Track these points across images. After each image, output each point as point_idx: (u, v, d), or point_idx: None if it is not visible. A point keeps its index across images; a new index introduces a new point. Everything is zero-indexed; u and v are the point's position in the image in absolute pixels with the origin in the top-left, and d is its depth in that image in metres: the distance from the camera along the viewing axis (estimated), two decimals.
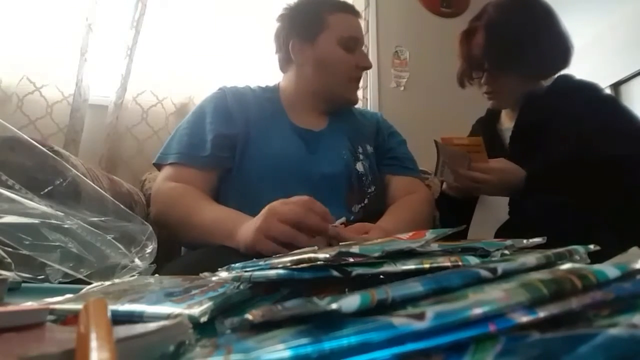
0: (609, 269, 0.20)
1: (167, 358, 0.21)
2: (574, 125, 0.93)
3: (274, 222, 0.70)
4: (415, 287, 0.21)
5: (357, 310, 0.19)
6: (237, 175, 0.97)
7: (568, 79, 1.07)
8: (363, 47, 1.09)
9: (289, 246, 0.67)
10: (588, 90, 1.04)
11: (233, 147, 0.98)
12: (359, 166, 1.04)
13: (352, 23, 1.08)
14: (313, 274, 0.30)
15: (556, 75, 1.07)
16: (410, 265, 0.29)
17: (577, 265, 0.27)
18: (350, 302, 0.19)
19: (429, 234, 0.35)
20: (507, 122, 1.14)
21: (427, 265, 0.28)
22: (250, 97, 1.07)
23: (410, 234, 0.37)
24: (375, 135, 1.14)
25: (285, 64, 1.12)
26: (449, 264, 0.28)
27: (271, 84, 1.16)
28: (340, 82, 1.05)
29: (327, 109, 1.10)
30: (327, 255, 0.29)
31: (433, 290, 0.21)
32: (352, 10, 1.10)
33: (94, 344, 0.16)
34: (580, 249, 0.31)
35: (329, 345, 0.16)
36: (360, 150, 1.07)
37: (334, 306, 0.18)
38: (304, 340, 0.17)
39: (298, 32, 1.06)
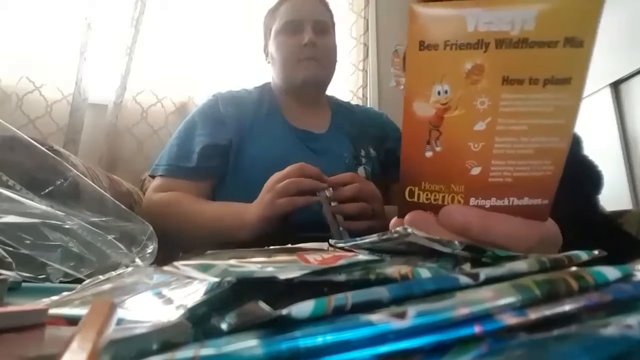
0: (609, 270, 0.19)
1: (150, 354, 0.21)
2: None
3: (274, 196, 0.76)
4: (380, 292, 0.19)
5: (310, 317, 0.18)
6: (231, 182, 0.97)
7: None
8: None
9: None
10: None
11: (224, 155, 0.97)
12: (361, 171, 1.01)
13: (293, 8, 1.06)
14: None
15: None
16: (354, 276, 0.24)
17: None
18: (303, 308, 0.18)
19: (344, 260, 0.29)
20: None
21: (372, 277, 0.24)
22: (247, 100, 1.07)
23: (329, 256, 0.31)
24: (380, 138, 1.12)
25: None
26: (397, 277, 0.24)
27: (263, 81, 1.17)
28: (290, 68, 1.04)
29: (306, 99, 1.09)
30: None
31: (401, 297, 0.19)
32: None
33: (74, 345, 0.16)
34: (582, 254, 0.26)
35: (303, 342, 0.16)
36: (362, 153, 1.04)
37: (283, 312, 0.18)
38: (278, 337, 0.16)
39: (263, 36, 1.15)
